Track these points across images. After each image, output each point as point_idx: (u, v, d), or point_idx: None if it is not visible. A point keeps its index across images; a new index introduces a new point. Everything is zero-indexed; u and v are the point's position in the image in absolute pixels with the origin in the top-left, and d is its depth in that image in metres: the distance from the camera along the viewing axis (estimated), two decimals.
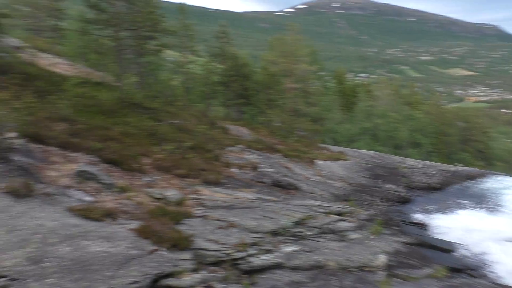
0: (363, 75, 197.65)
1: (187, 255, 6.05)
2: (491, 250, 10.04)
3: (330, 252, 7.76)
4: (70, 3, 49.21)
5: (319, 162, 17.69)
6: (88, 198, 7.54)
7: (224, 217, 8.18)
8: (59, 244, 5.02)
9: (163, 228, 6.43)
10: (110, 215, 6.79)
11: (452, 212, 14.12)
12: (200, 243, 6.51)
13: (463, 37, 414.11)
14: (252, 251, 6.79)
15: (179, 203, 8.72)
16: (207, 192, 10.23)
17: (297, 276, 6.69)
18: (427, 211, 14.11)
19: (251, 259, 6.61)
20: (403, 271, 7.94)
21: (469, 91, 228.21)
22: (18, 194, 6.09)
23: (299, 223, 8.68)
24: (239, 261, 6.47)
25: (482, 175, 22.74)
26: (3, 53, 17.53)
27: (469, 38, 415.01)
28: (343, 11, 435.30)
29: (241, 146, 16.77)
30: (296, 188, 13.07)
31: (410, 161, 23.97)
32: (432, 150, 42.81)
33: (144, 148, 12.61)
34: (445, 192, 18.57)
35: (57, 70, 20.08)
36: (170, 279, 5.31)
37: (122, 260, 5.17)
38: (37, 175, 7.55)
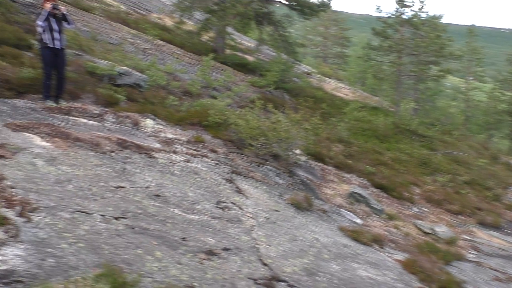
0: None
1: None
2: None
3: None
4: (355, 32, 52.55)
5: None
6: (358, 221, 7.83)
7: (502, 268, 7.20)
8: (331, 261, 5.37)
9: (431, 266, 6.10)
10: (377, 241, 6.86)
11: None
12: None
13: None
14: None
15: (450, 242, 8.08)
16: (483, 235, 9.18)
17: None
18: None
19: None
20: None
21: None
22: (299, 207, 6.85)
23: None
24: None
25: None
26: (296, 78, 20.12)
27: None
28: None
29: None
30: None
31: None
32: None
33: (415, 176, 12.31)
34: None
35: (339, 94, 21.70)
36: None
37: None
38: (315, 191, 8.32)
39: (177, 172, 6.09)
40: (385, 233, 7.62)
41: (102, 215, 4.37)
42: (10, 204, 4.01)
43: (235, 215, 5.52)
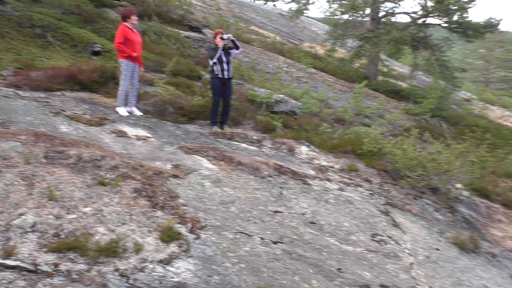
0: None
1: None
2: None
3: None
4: None
5: None
6: None
7: None
8: None
9: None
10: None
11: None
12: None
13: None
14: None
15: None
16: None
17: None
18: None
19: None
20: None
21: None
22: (464, 247, 6.21)
23: None
24: None
25: None
26: (455, 105, 18.67)
27: None
28: None
29: None
30: None
31: None
32: None
33: None
34: None
35: (506, 123, 19.46)
36: None
37: None
38: (481, 231, 7.47)
39: (331, 200, 6.06)
40: None
41: (262, 238, 4.54)
42: (182, 220, 4.41)
43: (392, 250, 5.24)
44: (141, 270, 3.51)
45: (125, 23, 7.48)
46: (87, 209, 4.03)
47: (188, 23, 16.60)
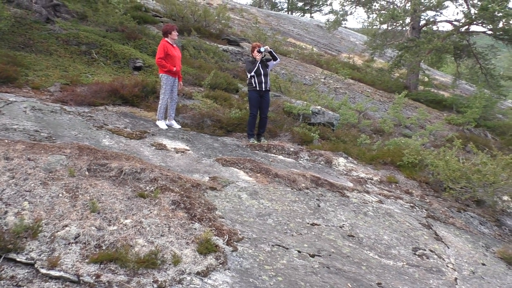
0: None
1: None
2: None
3: None
4: None
5: None
6: None
7: None
8: None
9: None
10: None
11: None
12: None
13: None
14: None
15: None
16: None
17: None
18: None
19: None
20: None
21: None
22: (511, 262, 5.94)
23: None
24: None
25: None
26: (501, 114, 17.96)
27: None
28: None
29: None
30: None
31: None
32: None
33: None
34: None
35: None
36: None
37: None
38: None
39: (370, 213, 5.94)
40: None
41: (299, 251, 4.50)
42: (220, 232, 4.44)
43: (434, 265, 5.07)
44: (179, 282, 3.55)
45: (166, 39, 7.70)
46: (127, 221, 4.13)
47: (226, 37, 16.88)
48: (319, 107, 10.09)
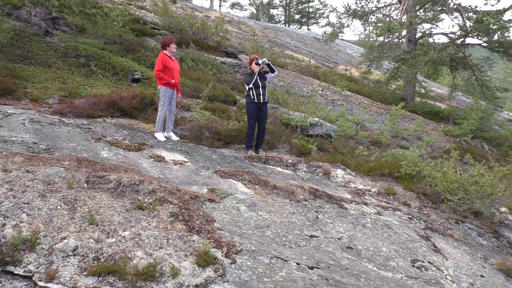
0: None
1: None
2: None
3: None
4: None
5: None
6: None
7: None
8: None
9: None
10: None
11: None
12: None
13: None
14: None
15: None
16: None
17: None
18: None
19: None
20: None
21: None
22: (510, 274, 5.92)
23: None
24: None
25: None
26: (498, 126, 18.06)
27: None
28: None
29: None
30: None
31: None
32: None
33: None
34: None
35: None
36: None
37: None
38: None
39: (369, 225, 5.94)
40: None
41: (297, 263, 4.49)
42: (218, 245, 4.43)
43: (433, 277, 5.06)
44: None
45: (165, 51, 7.75)
46: (125, 233, 4.12)
47: (224, 49, 16.99)
48: (316, 119, 10.14)
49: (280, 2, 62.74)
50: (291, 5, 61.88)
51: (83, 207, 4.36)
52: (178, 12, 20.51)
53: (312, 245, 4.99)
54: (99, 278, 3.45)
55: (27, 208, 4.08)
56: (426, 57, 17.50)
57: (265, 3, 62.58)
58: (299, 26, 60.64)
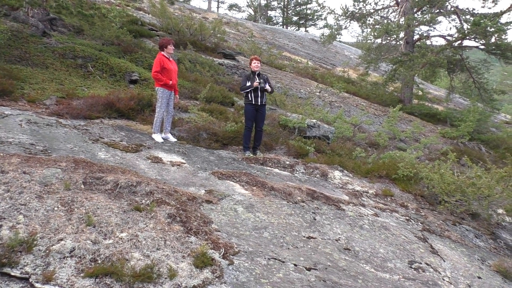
0: None
1: None
2: None
3: None
4: None
5: None
6: None
7: None
8: None
9: None
10: None
11: None
12: None
13: None
14: None
15: None
16: None
17: None
18: None
19: None
20: None
21: None
22: (508, 276, 5.93)
23: None
24: None
25: None
26: (495, 128, 18.11)
27: None
28: None
29: None
30: None
31: None
32: None
33: None
34: None
35: None
36: None
37: None
38: None
39: (366, 226, 5.94)
40: None
41: (295, 265, 4.49)
42: (216, 246, 4.42)
43: (431, 278, 5.06)
44: None
45: (162, 52, 7.75)
46: (123, 234, 4.11)
47: (222, 50, 17.00)
48: (314, 120, 10.14)
49: (278, 3, 62.84)
50: (289, 6, 61.99)
51: (80, 209, 4.35)
52: (176, 14, 20.51)
53: (309, 246, 4.99)
54: (96, 280, 3.44)
55: (24, 209, 4.06)
56: (424, 59, 17.55)
57: (263, 4, 62.66)
58: (297, 27, 60.74)
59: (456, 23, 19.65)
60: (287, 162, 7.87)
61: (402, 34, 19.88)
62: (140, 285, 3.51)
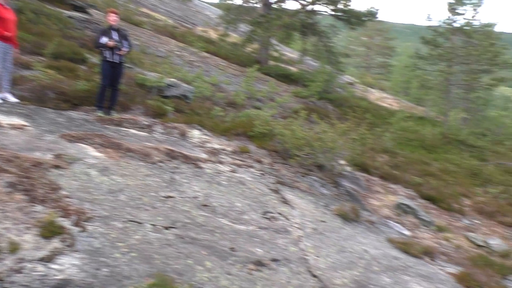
0: None
1: None
2: None
3: None
4: (399, 41, 51.61)
5: None
6: (406, 232, 7.60)
7: None
8: (381, 273, 5.23)
9: (487, 280, 5.83)
10: (428, 253, 6.64)
11: None
12: None
13: None
14: None
15: (505, 255, 7.73)
16: None
17: None
18: None
19: None
20: None
21: None
22: (347, 218, 6.74)
23: None
24: None
25: None
26: (340, 88, 19.94)
27: None
28: None
29: None
30: None
31: None
32: None
33: (465, 188, 11.88)
34: None
35: (383, 104, 21.30)
36: None
37: None
38: (362, 202, 8.16)
39: (224, 182, 6.14)
40: (436, 245, 7.36)
41: (153, 225, 4.46)
42: (66, 213, 4.15)
43: (282, 226, 5.49)
44: (19, 271, 3.24)
45: None
46: None
47: (71, 2, 15.45)
48: (173, 79, 9.96)
49: None
50: None
51: None
52: None
53: (168, 205, 4.99)
54: None
55: None
56: (280, 21, 18.30)
57: None
58: None
59: None
60: (145, 123, 7.65)
61: None
62: None
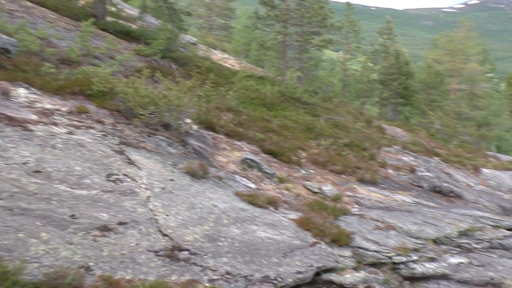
0: None
1: (347, 252, 5.97)
2: None
3: (506, 270, 6.88)
4: (239, 3, 52.74)
5: (485, 170, 15.99)
6: (252, 185, 7.95)
7: (381, 218, 7.89)
8: (231, 225, 5.37)
9: (323, 221, 6.45)
10: (272, 203, 7.07)
11: None
12: (359, 241, 6.36)
13: None
14: (414, 257, 6.40)
15: (336, 199, 8.68)
16: (363, 191, 10.00)
17: None
18: None
19: (413, 265, 6.23)
20: None
21: None
22: (195, 175, 6.72)
23: (464, 233, 7.96)
24: (400, 266, 6.15)
25: None
26: (183, 47, 19.58)
27: None
28: None
29: (397, 147, 16.09)
30: (457, 196, 12.01)
31: None
32: None
33: (301, 141, 12.90)
34: None
35: (226, 65, 21.68)
36: (331, 274, 5.30)
37: (286, 248, 5.32)
38: (209, 159, 8.23)
39: (60, 145, 5.52)
40: (278, 195, 7.87)
41: None
42: None
43: (128, 187, 5.20)
44: None
45: None
46: None
47: None
48: None
49: None
50: None
51: None
52: None
53: None
54: None
55: None
56: None
57: None
58: None
59: None
60: None
61: None
62: None
